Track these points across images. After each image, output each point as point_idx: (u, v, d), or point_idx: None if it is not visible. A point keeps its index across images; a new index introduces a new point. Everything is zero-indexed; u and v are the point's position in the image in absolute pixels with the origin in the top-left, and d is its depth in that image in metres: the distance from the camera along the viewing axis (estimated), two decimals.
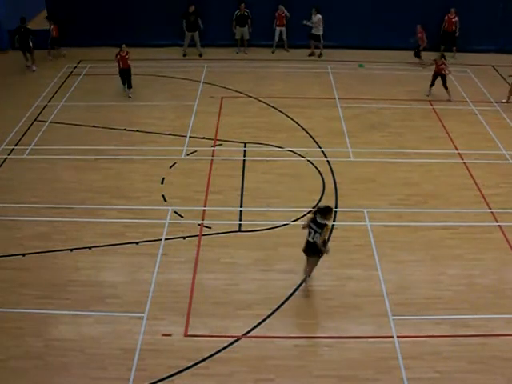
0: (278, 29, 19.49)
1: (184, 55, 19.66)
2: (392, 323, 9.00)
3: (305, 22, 18.62)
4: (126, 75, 16.47)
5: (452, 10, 18.72)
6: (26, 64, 18.59)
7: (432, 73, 16.42)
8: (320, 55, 19.65)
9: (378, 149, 13.89)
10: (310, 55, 19.74)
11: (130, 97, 16.55)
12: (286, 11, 19.13)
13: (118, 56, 16.22)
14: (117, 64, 16.33)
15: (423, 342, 8.72)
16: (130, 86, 16.59)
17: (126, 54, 16.20)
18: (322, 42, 19.32)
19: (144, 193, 12.15)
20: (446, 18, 18.91)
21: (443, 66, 16.09)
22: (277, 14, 19.22)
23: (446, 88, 16.29)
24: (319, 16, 18.79)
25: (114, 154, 13.55)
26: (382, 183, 12.57)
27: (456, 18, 18.79)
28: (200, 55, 19.64)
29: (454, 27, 18.97)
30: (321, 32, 19.07)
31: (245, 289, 9.71)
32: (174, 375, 8.13)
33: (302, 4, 19.08)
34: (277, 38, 19.69)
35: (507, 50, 19.65)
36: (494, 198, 12.09)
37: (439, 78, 16.24)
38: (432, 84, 16.51)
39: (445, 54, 16.70)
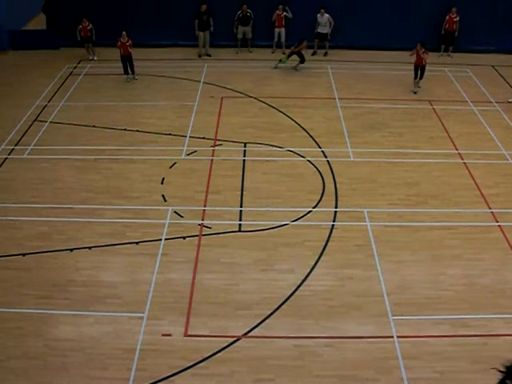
0: (276, 30, 19.45)
1: (200, 56, 19.55)
2: (392, 323, 9.01)
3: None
4: (127, 62, 17.17)
5: (453, 9, 18.74)
6: None
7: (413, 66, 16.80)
8: (326, 54, 19.67)
9: (377, 149, 13.89)
10: (313, 54, 19.72)
11: (136, 79, 17.49)
12: (288, 12, 19.07)
13: (119, 43, 16.87)
14: (118, 51, 17.00)
15: (423, 342, 8.72)
16: (133, 72, 17.41)
17: (127, 41, 16.85)
18: (328, 38, 19.37)
19: (144, 193, 12.15)
20: (448, 17, 18.93)
21: (425, 54, 16.32)
22: (276, 15, 19.19)
23: (421, 78, 16.76)
24: (327, 15, 18.87)
25: (114, 153, 13.55)
26: (382, 183, 12.57)
27: (457, 18, 18.81)
28: (208, 55, 19.57)
29: (455, 26, 19.00)
30: (328, 31, 19.14)
31: (245, 289, 9.71)
32: (174, 375, 8.14)
33: (305, 4, 19.09)
34: (276, 39, 19.67)
35: (507, 49, 19.69)
36: (494, 198, 12.10)
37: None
38: (415, 77, 16.82)
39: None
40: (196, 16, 18.83)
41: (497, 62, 19.25)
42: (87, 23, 18.54)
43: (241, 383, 8.09)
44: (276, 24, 19.35)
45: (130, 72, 17.40)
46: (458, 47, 19.61)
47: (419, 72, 16.68)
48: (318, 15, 19.01)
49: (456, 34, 19.11)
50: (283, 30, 19.40)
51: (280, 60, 18.39)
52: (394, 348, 8.59)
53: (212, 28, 19.12)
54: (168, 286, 9.74)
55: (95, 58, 19.12)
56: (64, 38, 19.81)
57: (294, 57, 18.19)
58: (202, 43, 19.34)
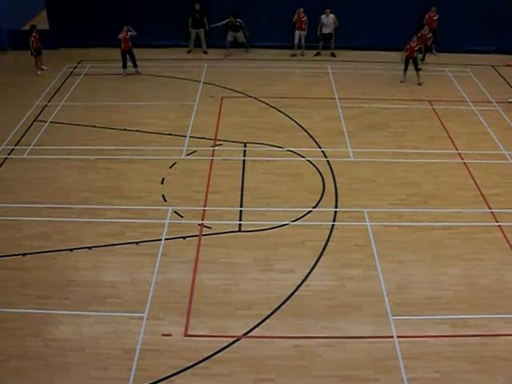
0: (297, 32, 19.30)
1: (188, 52, 19.83)
2: (392, 323, 9.01)
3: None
4: (128, 56, 17.60)
5: (432, 8, 18.70)
6: None
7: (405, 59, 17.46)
8: (333, 54, 19.65)
9: (378, 149, 13.89)
10: (316, 55, 19.70)
11: (140, 72, 17.90)
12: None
13: (121, 36, 17.28)
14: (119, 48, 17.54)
15: (423, 342, 8.72)
16: (135, 65, 17.81)
17: (127, 35, 17.26)
18: (333, 38, 19.38)
19: (144, 193, 12.15)
20: (427, 16, 18.89)
21: (417, 47, 17.12)
22: (296, 17, 19.07)
23: (417, 70, 17.42)
24: (332, 16, 18.87)
25: (114, 154, 13.55)
26: (382, 183, 12.57)
27: (437, 16, 18.80)
28: (205, 53, 19.79)
29: (434, 24, 19.01)
30: (332, 31, 19.14)
31: (245, 289, 9.71)
32: (174, 375, 8.14)
33: (309, 5, 19.12)
34: (296, 41, 19.50)
35: (507, 50, 19.68)
36: (494, 198, 12.09)
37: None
38: (405, 69, 17.50)
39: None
40: (190, 13, 19.18)
41: (497, 62, 19.26)
42: (35, 33, 17.71)
43: (241, 383, 8.09)
44: (297, 26, 19.22)
45: (127, 66, 17.75)
46: (457, 47, 19.63)
47: (413, 65, 17.31)
48: (323, 16, 18.94)
49: (436, 31, 19.15)
50: (303, 33, 19.30)
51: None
52: (393, 348, 8.59)
53: (207, 27, 19.33)
54: (168, 286, 9.74)
55: (44, 68, 18.29)
56: (64, 38, 19.82)
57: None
58: (193, 40, 19.64)
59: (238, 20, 19.12)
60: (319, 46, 19.65)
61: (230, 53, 19.69)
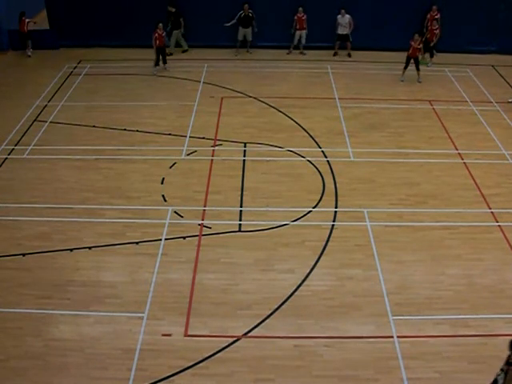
0: (297, 32, 19.30)
1: (184, 51, 19.91)
2: (392, 323, 9.01)
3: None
4: (161, 53, 17.77)
5: (434, 7, 18.60)
6: None
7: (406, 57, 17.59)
8: (349, 55, 19.60)
9: (378, 149, 13.89)
10: (334, 55, 19.63)
11: (169, 70, 18.16)
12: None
13: (157, 34, 17.34)
14: (154, 43, 17.51)
15: (423, 342, 8.72)
16: (165, 62, 18.09)
17: (163, 33, 17.54)
18: (350, 39, 19.31)
19: (144, 193, 12.15)
20: (429, 15, 18.77)
21: (420, 47, 17.37)
22: (296, 17, 19.07)
23: (418, 69, 17.56)
24: (348, 16, 18.84)
25: (114, 154, 13.56)
26: (382, 183, 12.57)
27: (438, 15, 18.72)
28: (184, 51, 19.88)
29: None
30: (348, 32, 19.09)
31: (245, 289, 9.71)
32: (174, 375, 8.14)
33: (311, 6, 19.11)
34: (296, 42, 19.53)
35: (507, 50, 19.68)
36: (494, 198, 12.10)
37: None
38: (406, 67, 17.59)
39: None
40: (167, 16, 19.21)
41: (497, 62, 19.26)
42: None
43: (241, 383, 8.09)
44: (297, 26, 19.22)
45: (160, 64, 17.93)
46: (457, 47, 19.61)
47: (414, 64, 17.42)
48: (339, 16, 18.89)
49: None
50: (304, 32, 19.28)
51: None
52: (393, 348, 8.59)
53: (182, 29, 19.38)
54: (168, 286, 9.74)
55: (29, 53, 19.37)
56: (64, 38, 19.82)
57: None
58: (174, 40, 19.68)
59: (250, 11, 19.05)
60: (335, 46, 19.51)
61: (240, 52, 19.71)
